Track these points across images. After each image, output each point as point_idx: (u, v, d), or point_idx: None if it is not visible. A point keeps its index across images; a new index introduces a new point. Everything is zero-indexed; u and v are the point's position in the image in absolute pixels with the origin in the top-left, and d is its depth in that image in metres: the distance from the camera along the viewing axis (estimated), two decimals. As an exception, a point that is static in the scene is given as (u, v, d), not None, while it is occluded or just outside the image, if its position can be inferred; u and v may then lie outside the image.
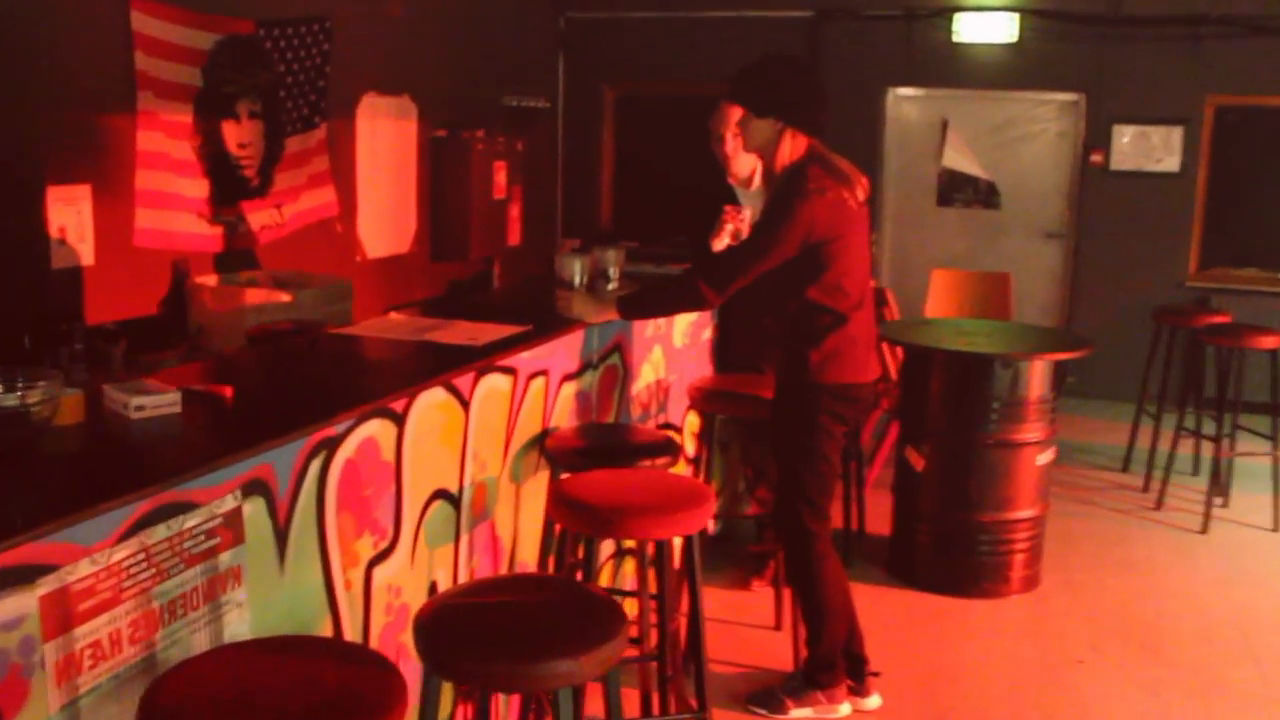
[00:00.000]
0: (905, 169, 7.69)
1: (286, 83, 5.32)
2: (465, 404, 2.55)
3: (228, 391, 2.09)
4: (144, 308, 4.61)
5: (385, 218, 6.19)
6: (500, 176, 6.86)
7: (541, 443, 2.87)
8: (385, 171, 6.16)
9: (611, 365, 3.31)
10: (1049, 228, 7.57)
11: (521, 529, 2.84)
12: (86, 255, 4.28)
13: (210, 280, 4.86)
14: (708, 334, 4.12)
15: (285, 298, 4.57)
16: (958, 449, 4.02)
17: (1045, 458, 4.07)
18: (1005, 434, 3.97)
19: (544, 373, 2.93)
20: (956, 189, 7.69)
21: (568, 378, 3.06)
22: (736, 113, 3.93)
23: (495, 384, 2.69)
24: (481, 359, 2.55)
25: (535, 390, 2.88)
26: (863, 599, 3.93)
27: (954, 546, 4.06)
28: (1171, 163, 7.15)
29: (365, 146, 5.97)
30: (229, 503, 1.82)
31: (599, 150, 8.29)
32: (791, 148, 2.91)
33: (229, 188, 5.00)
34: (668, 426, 3.78)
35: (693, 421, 3.89)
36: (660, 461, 2.73)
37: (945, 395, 4.05)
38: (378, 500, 2.22)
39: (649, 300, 3.01)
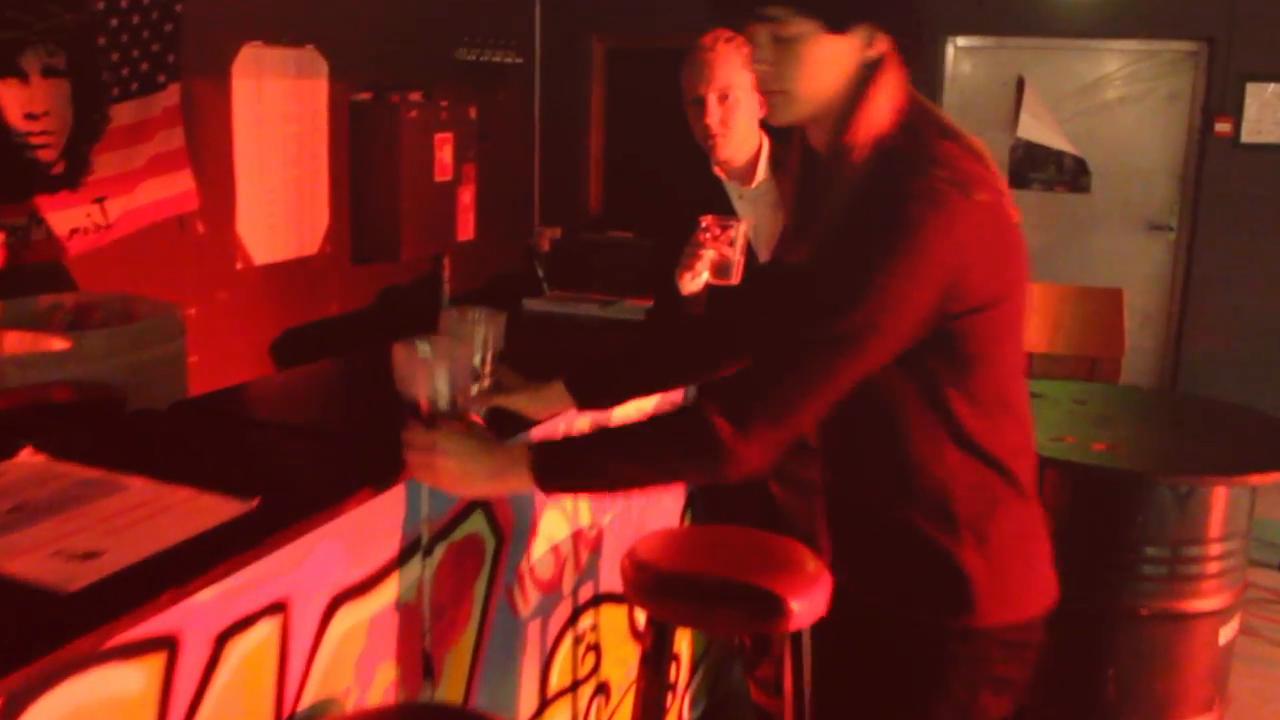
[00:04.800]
0: (969, 141, 6.04)
1: (109, 25, 3.79)
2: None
3: None
4: None
5: (280, 210, 4.67)
6: (445, 152, 5.31)
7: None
8: (279, 149, 4.63)
9: (469, 537, 1.78)
10: (1155, 217, 5.94)
11: None
12: None
13: (-20, 311, 3.38)
14: (677, 427, 2.55)
15: (59, 344, 3.07)
16: (1088, 620, 2.45)
17: (1229, 632, 2.50)
18: (1168, 599, 2.40)
19: (276, 610, 1.40)
20: (1035, 166, 6.07)
21: (349, 596, 1.53)
22: (729, 60, 2.41)
23: (103, 688, 1.16)
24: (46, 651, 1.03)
25: (247, 655, 1.36)
26: None
27: (1074, 765, 2.52)
28: (1323, 133, 5.48)
29: (247, 115, 4.43)
30: None
31: (585, 116, 6.71)
32: (892, 96, 1.34)
33: (13, 177, 3.51)
34: (603, 599, 2.24)
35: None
36: None
37: (1067, 533, 2.47)
38: None
39: (603, 458, 1.39)
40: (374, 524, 1.56)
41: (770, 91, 1.35)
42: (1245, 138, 5.59)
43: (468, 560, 1.77)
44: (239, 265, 4.46)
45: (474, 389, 1.74)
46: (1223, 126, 5.62)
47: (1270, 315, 5.60)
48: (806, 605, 1.80)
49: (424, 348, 1.50)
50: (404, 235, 5.08)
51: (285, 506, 1.40)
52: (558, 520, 2.03)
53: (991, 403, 1.35)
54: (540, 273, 6.15)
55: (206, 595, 1.27)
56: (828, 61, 1.31)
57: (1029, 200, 6.09)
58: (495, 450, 1.41)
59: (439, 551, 1.70)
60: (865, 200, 1.29)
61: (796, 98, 1.34)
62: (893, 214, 1.25)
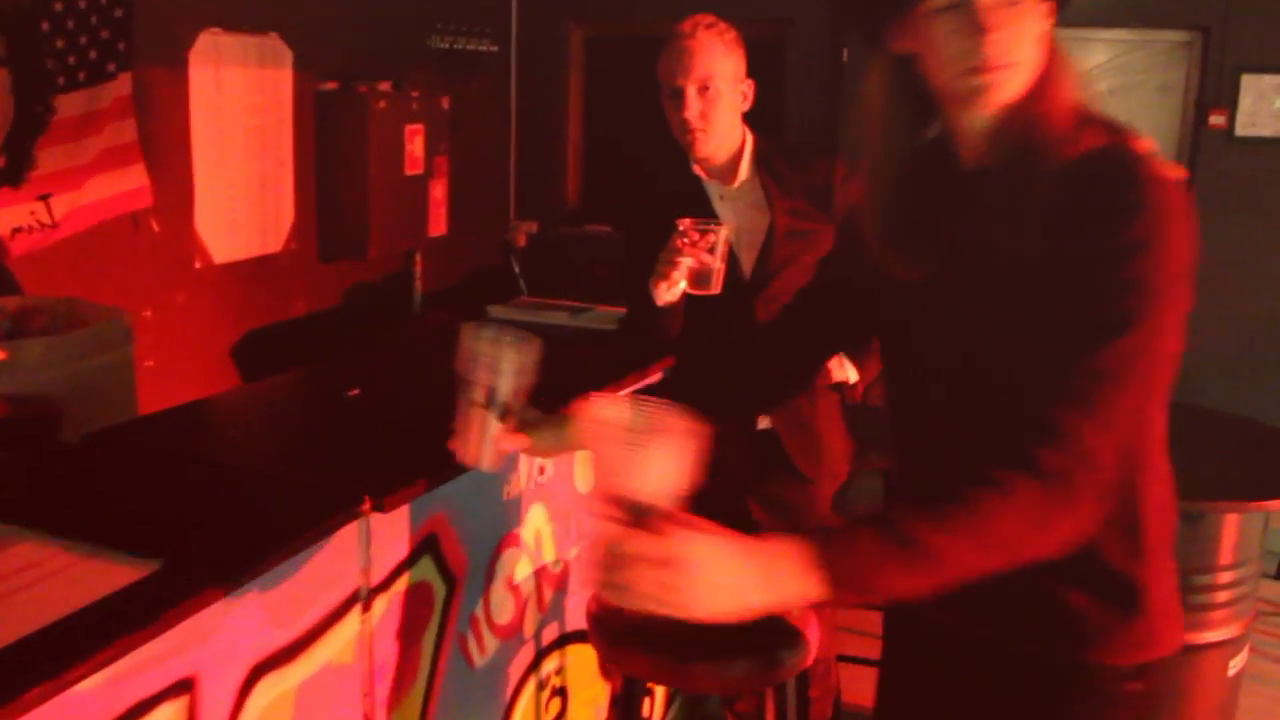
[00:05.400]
0: (957, 133, 5.88)
1: (53, 10, 3.58)
2: None
3: None
4: None
5: (242, 207, 4.46)
6: (416, 144, 5.11)
7: None
8: (240, 142, 4.42)
9: (416, 586, 1.60)
10: (1147, 211, 5.77)
11: None
12: None
13: (-85, 316, 3.17)
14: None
15: (-6, 355, 2.87)
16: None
17: (1239, 663, 2.35)
18: (1175, 630, 2.24)
19: (181, 689, 1.22)
20: (1025, 159, 5.88)
21: (272, 664, 1.35)
22: (710, 48, 2.24)
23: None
24: None
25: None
26: None
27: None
28: (1320, 126, 5.33)
29: (205, 106, 4.22)
30: None
31: (563, 107, 6.50)
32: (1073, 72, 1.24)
33: (-53, 173, 3.31)
34: (569, 639, 2.07)
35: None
36: None
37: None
38: None
39: (922, 550, 1.05)
40: (302, 578, 1.39)
41: (1002, 65, 1.13)
42: (1240, 131, 5.44)
43: (414, 611, 1.60)
44: (198, 265, 4.25)
45: (494, 424, 1.39)
46: (1217, 119, 5.47)
47: (1265, 312, 5.47)
48: (796, 660, 1.64)
49: (638, 418, 1.07)
50: (373, 232, 4.88)
51: (194, 567, 1.23)
52: (518, 559, 1.86)
53: (1167, 406, 1.22)
54: (516, 269, 5.97)
55: (93, 681, 1.09)
56: (1038, 31, 1.15)
57: (1018, 194, 5.93)
58: (753, 551, 1.04)
59: (380, 605, 1.52)
60: (1091, 190, 1.12)
61: (1022, 70, 1.15)
62: (1138, 203, 1.10)
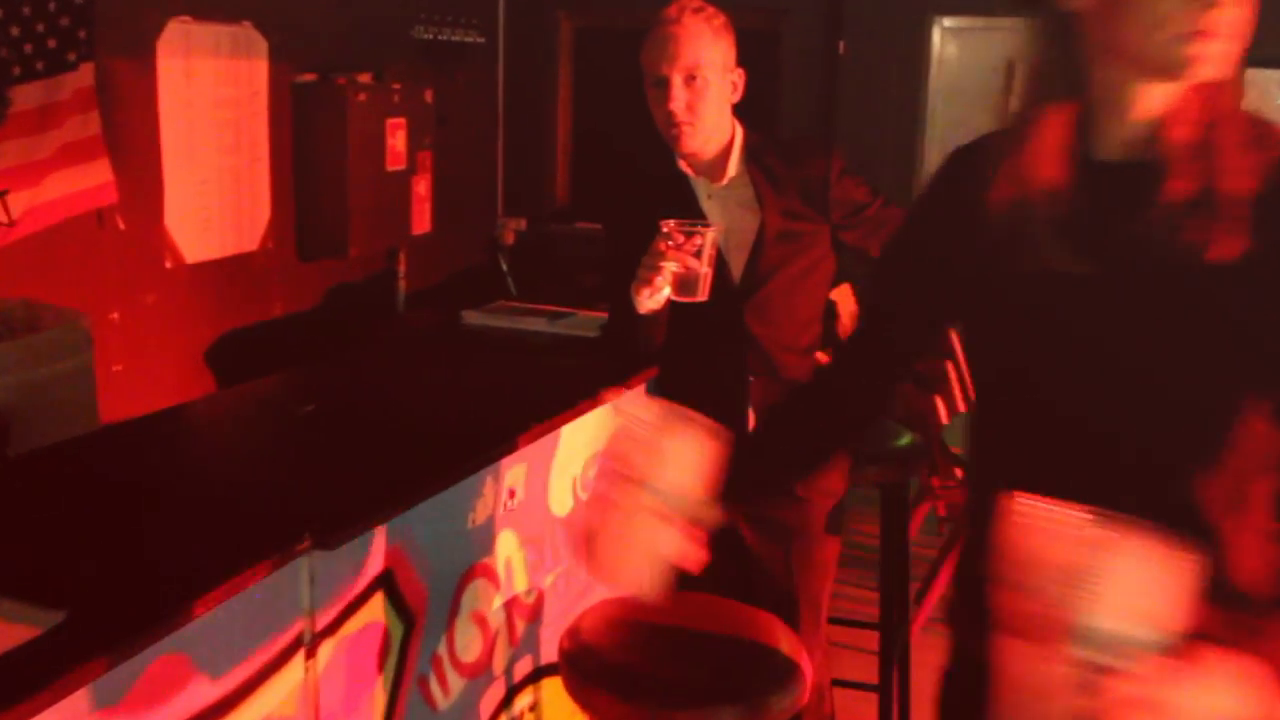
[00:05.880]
0: (955, 129, 5.73)
1: (10, -2, 3.42)
2: None
3: None
4: None
5: (215, 204, 4.29)
6: (398, 138, 4.95)
7: None
8: (212, 136, 4.25)
9: (368, 626, 1.45)
10: (1150, 208, 5.64)
11: None
12: None
13: None
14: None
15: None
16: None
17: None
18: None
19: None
20: (1025, 155, 5.75)
21: (198, 727, 1.20)
22: (697, 34, 2.09)
23: None
24: None
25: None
26: None
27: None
28: (1326, 121, 5.21)
29: (174, 99, 4.06)
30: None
31: (552, 100, 6.35)
32: None
33: (-104, 168, 3.15)
34: (544, 673, 1.92)
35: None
36: None
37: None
38: None
39: None
40: (236, 624, 1.23)
41: (1222, 35, 1.03)
42: (1246, 125, 5.32)
43: (367, 654, 1.44)
44: (168, 264, 4.09)
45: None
46: (1223, 113, 5.35)
47: None
48: (788, 703, 1.50)
49: (1093, 523, 0.84)
50: (353, 230, 4.72)
51: (105, 618, 1.08)
52: (485, 590, 1.70)
53: None
54: (504, 267, 5.82)
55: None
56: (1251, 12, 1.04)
57: (1018, 190, 5.79)
58: (1237, 680, 0.87)
59: (327, 650, 1.37)
60: None
61: (1233, 48, 1.05)
62: None
